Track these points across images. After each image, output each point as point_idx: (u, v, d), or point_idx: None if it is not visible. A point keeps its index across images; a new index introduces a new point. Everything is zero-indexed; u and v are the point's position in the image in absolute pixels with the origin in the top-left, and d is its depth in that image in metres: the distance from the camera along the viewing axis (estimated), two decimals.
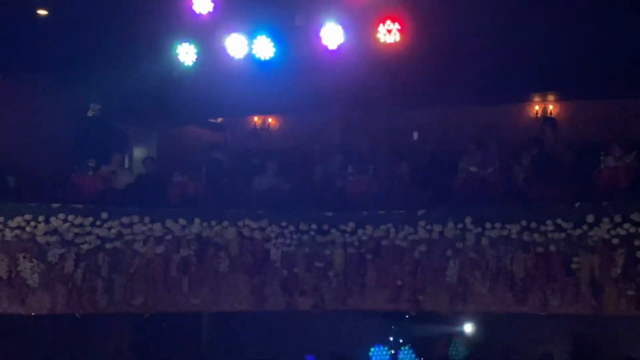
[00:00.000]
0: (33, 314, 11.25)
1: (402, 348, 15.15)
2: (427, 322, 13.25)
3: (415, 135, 16.36)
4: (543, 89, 16.64)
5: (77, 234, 11.17)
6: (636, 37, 12.21)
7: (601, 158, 11.84)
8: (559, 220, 10.59)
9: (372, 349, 15.04)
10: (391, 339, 15.03)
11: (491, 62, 13.81)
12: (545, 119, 14.54)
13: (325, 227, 11.59)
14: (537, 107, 17.54)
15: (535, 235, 10.69)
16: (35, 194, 11.99)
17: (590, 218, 10.43)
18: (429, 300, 11.25)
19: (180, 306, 11.70)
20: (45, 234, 11.06)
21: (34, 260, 11.05)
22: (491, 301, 11.01)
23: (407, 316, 11.85)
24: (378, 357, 15.10)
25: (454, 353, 15.13)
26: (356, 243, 11.49)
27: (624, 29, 11.93)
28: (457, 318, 13.92)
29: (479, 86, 15.50)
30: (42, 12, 11.86)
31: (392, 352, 15.06)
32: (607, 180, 11.50)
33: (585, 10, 11.44)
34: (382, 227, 11.39)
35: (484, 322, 14.57)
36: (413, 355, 15.10)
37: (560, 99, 17.32)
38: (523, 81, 15.30)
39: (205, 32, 11.19)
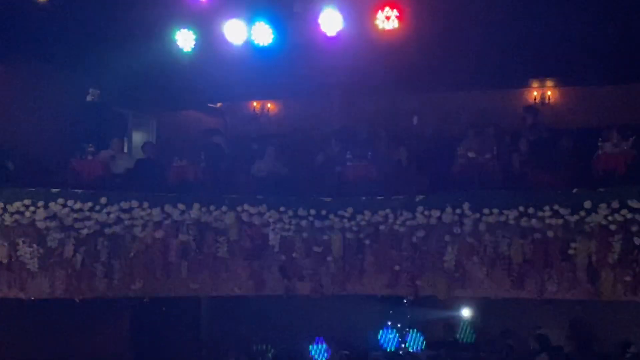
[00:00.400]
0: (32, 298, 11.30)
1: (410, 331, 15.27)
2: (427, 307, 13.32)
3: (415, 120, 16.34)
4: (541, 75, 16.62)
5: (76, 219, 11.22)
6: (634, 23, 12.21)
7: (599, 144, 11.87)
8: (556, 206, 10.63)
9: (380, 332, 15.15)
10: (398, 324, 15.14)
11: (489, 47, 13.79)
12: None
13: (324, 212, 11.63)
14: (535, 93, 17.52)
15: (533, 221, 10.73)
16: (34, 179, 12.01)
17: (587, 204, 10.47)
18: (427, 285, 11.30)
19: (179, 291, 11.78)
20: (45, 219, 11.11)
21: (33, 245, 11.11)
22: (489, 286, 11.06)
23: (404, 301, 11.89)
24: (386, 340, 15.21)
25: (462, 336, 15.24)
26: (354, 228, 11.54)
27: (622, 14, 11.92)
28: (455, 303, 13.97)
29: (477, 72, 15.50)
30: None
31: (400, 335, 15.19)
32: (604, 166, 11.53)
33: None
34: (381, 212, 11.44)
35: (482, 306, 14.65)
36: (421, 339, 15.21)
37: (558, 84, 17.31)
38: (521, 67, 15.28)
39: (203, 18, 11.17)
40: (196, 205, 11.53)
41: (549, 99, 17.44)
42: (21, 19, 12.40)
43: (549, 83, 17.23)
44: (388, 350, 15.24)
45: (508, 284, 10.93)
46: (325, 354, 12.49)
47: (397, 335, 15.33)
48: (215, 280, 11.76)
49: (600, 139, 12.08)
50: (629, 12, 11.72)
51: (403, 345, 15.30)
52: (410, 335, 15.33)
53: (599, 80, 16.22)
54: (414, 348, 15.23)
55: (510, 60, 14.62)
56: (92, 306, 11.80)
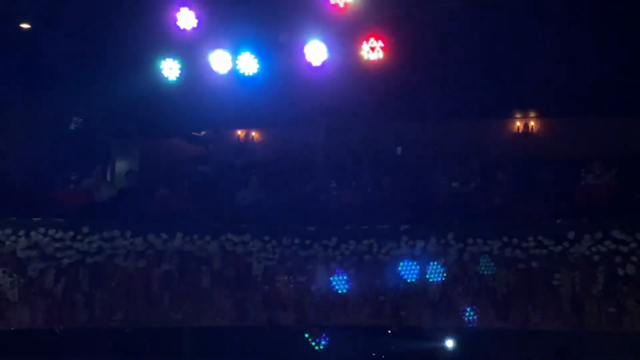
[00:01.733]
0: (12, 328, 11.12)
1: None
2: (411, 338, 13.22)
3: (399, 151, 16.42)
4: (525, 106, 16.75)
5: (57, 249, 11.11)
6: (617, 57, 12.35)
7: (581, 175, 11.93)
8: (540, 237, 10.65)
9: None
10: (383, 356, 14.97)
11: (473, 78, 13.91)
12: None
13: (308, 241, 11.57)
14: (518, 124, 17.66)
15: (517, 251, 10.73)
16: (16, 208, 11.89)
17: (571, 235, 10.49)
18: (411, 315, 11.25)
19: (161, 321, 11.63)
20: (26, 248, 10.99)
21: (13, 274, 10.97)
22: (473, 317, 11.01)
23: (389, 331, 11.81)
24: None
25: None
26: (339, 258, 11.48)
27: (605, 48, 12.05)
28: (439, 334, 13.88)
29: (461, 102, 15.62)
30: (25, 25, 11.79)
31: None
32: (587, 197, 11.58)
33: (566, 29, 11.54)
34: (365, 242, 11.40)
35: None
36: None
37: (541, 115, 17.44)
38: (505, 98, 15.40)
39: (189, 48, 11.18)
40: (179, 235, 11.44)
41: (532, 129, 17.57)
42: (5, 46, 12.36)
43: (532, 114, 17.37)
44: None
45: (492, 315, 10.89)
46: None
47: None
48: (198, 311, 11.63)
49: (583, 170, 12.15)
50: (611, 45, 11.84)
51: None
52: None
53: (581, 112, 16.38)
54: None
55: (494, 91, 14.74)
56: (72, 337, 11.61)
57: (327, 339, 12.50)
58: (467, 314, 11.01)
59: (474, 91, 14.71)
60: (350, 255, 11.46)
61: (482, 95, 15.05)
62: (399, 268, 11.13)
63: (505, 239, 10.77)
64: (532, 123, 17.59)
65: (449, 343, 13.86)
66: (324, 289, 11.52)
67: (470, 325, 11.15)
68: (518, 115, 17.52)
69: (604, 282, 10.31)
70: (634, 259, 10.20)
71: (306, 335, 12.20)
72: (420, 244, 11.11)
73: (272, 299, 11.63)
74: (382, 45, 10.45)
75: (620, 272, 10.26)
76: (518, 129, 17.65)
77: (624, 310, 10.30)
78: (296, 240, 11.56)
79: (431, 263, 10.99)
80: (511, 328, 10.87)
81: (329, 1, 10.11)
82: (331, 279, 11.43)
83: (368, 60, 10.61)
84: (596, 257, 10.36)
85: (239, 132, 19.40)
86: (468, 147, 16.26)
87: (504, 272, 10.82)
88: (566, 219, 10.85)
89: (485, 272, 10.88)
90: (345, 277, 11.49)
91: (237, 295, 11.61)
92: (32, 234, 11.00)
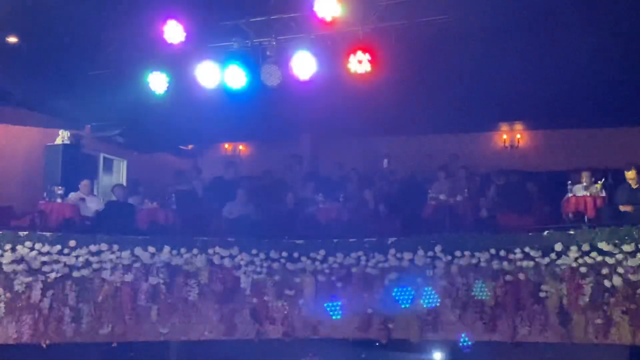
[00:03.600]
0: None
1: None
2: (399, 350, 13.19)
3: (385, 163, 16.45)
4: (511, 119, 16.84)
5: (44, 262, 11.04)
6: (601, 69, 12.45)
7: (568, 187, 11.99)
8: (527, 249, 10.69)
9: None
10: None
11: (460, 92, 13.98)
12: None
13: (296, 254, 11.58)
14: (505, 136, 17.76)
15: (504, 263, 10.77)
16: (2, 222, 11.83)
17: (558, 246, 10.53)
18: (399, 328, 11.25)
19: (148, 335, 11.58)
20: (12, 262, 10.91)
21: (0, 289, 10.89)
22: (461, 329, 11.03)
23: (377, 344, 11.79)
24: None
25: None
26: (327, 271, 11.48)
27: (590, 60, 12.15)
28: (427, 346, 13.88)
29: (448, 115, 15.68)
30: (12, 39, 11.76)
31: None
32: (574, 208, 11.63)
33: (551, 43, 11.64)
34: (353, 254, 11.42)
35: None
36: None
37: (527, 128, 17.55)
38: (491, 110, 15.48)
39: (177, 61, 11.18)
40: (166, 248, 11.42)
41: (519, 142, 17.67)
42: None
43: (518, 127, 17.48)
44: None
45: (480, 327, 10.90)
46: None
47: None
48: (186, 324, 11.60)
49: (569, 181, 12.22)
50: (597, 56, 11.94)
51: None
52: None
53: (568, 123, 16.48)
54: None
55: (480, 104, 14.81)
56: (59, 351, 11.52)
57: (315, 352, 12.49)
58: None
59: (461, 104, 14.78)
60: (338, 268, 11.46)
61: (469, 108, 15.12)
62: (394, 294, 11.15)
63: (492, 251, 10.80)
64: (518, 135, 17.69)
65: (437, 356, 13.87)
66: (312, 302, 11.50)
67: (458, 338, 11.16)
68: (504, 128, 17.62)
69: (591, 293, 10.34)
70: (621, 270, 10.24)
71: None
72: (407, 256, 11.11)
73: (260, 312, 11.60)
74: (370, 58, 10.47)
75: (607, 283, 10.29)
76: (504, 141, 17.75)
77: (611, 322, 10.34)
78: (284, 254, 11.56)
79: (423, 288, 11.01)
80: (499, 340, 10.88)
81: (316, 14, 10.13)
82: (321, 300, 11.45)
83: (355, 73, 10.63)
84: (583, 269, 10.41)
85: (227, 145, 19.42)
86: (455, 160, 16.32)
87: (492, 284, 10.84)
88: (553, 231, 10.89)
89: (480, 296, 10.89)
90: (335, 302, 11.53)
91: (225, 309, 11.59)
92: (19, 247, 10.93)
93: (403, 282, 11.17)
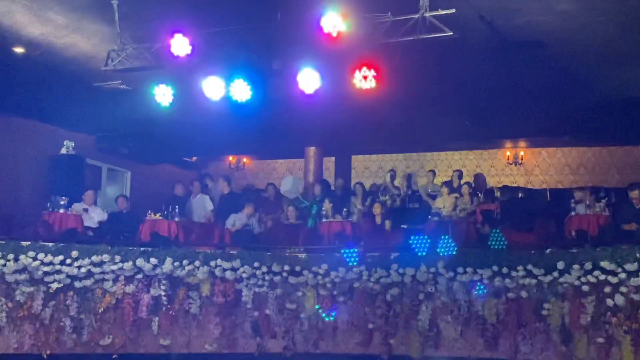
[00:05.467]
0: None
1: None
2: None
3: (389, 178, 16.48)
4: (514, 136, 16.88)
5: (46, 272, 11.03)
6: (605, 88, 12.49)
7: (571, 205, 11.99)
8: (529, 266, 10.65)
9: None
10: None
11: (464, 108, 14.02)
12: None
13: (298, 268, 11.55)
14: (508, 153, 17.80)
15: (507, 280, 10.73)
16: (5, 231, 11.85)
17: (560, 265, 10.49)
18: (400, 344, 11.22)
19: (149, 347, 11.55)
20: (14, 272, 10.91)
21: (1, 298, 10.90)
22: (462, 346, 11.00)
23: None
24: None
25: None
26: (328, 285, 11.46)
27: (594, 79, 12.20)
28: None
29: (452, 132, 15.73)
30: (19, 50, 11.82)
31: None
32: (577, 227, 11.62)
33: (556, 60, 11.68)
34: (355, 269, 11.37)
35: None
36: None
37: (531, 145, 17.59)
38: (495, 127, 15.53)
39: (182, 74, 11.22)
40: (169, 260, 11.41)
41: (522, 159, 17.70)
42: None
43: (522, 143, 17.52)
44: None
45: (482, 344, 10.87)
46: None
47: None
48: (187, 337, 11.56)
49: (573, 199, 12.21)
50: (602, 75, 12.00)
51: None
52: None
53: (572, 141, 16.53)
54: None
55: (485, 121, 14.86)
56: None
57: None
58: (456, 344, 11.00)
59: (465, 121, 14.83)
60: (340, 282, 11.44)
61: (473, 125, 15.17)
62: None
63: (495, 268, 10.77)
64: (521, 153, 17.73)
65: None
66: (314, 316, 11.48)
67: (459, 355, 11.13)
68: (508, 145, 17.66)
69: (593, 312, 10.29)
70: (623, 289, 10.19)
71: None
72: (410, 272, 11.10)
73: (262, 326, 11.58)
74: (375, 74, 10.48)
75: (610, 302, 10.24)
76: (508, 158, 17.79)
77: (613, 341, 10.28)
78: (286, 267, 11.53)
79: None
80: (500, 358, 10.84)
81: (322, 30, 10.18)
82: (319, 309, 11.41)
83: (360, 89, 10.64)
84: (585, 288, 10.36)
85: (231, 157, 19.49)
86: (459, 175, 16.36)
87: (494, 302, 10.81)
88: (555, 249, 10.88)
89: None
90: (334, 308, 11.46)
91: (226, 322, 11.56)
92: (21, 257, 10.92)
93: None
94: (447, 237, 11.06)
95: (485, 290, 10.83)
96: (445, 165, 17.72)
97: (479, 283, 10.87)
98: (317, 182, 16.07)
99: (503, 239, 10.94)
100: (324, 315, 11.40)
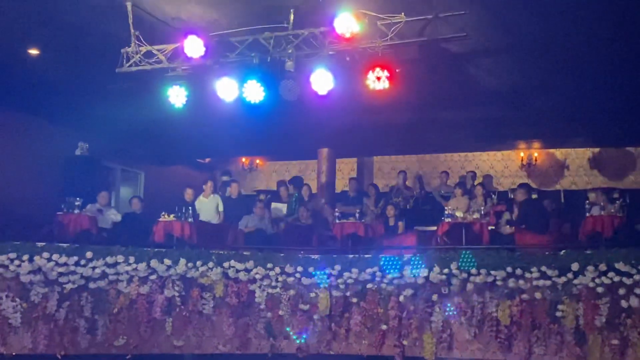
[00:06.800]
0: (14, 354, 11.08)
1: None
2: None
3: (401, 179, 16.48)
4: (528, 137, 16.82)
5: (60, 273, 11.08)
6: (621, 88, 12.43)
7: (586, 207, 11.94)
8: (544, 268, 10.60)
9: None
10: None
11: (478, 109, 13.99)
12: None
13: (311, 269, 11.55)
14: (522, 154, 17.73)
15: (521, 282, 10.69)
16: (20, 232, 11.91)
17: (575, 266, 10.44)
18: (414, 345, 11.19)
19: (163, 348, 11.60)
20: (29, 272, 10.96)
21: (16, 299, 10.95)
22: (476, 348, 10.96)
23: None
24: None
25: None
26: (342, 286, 11.46)
27: (609, 79, 12.13)
28: None
29: (465, 133, 15.69)
30: (33, 51, 11.89)
31: None
32: (591, 228, 11.57)
33: (569, 60, 11.63)
34: (368, 270, 11.36)
35: None
36: None
37: (545, 146, 17.52)
38: (509, 128, 15.47)
39: (196, 75, 11.26)
40: (182, 261, 11.44)
41: (536, 160, 17.63)
42: (11, 71, 12.46)
43: (536, 144, 17.45)
44: None
45: (495, 346, 10.83)
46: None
47: None
48: (200, 337, 11.59)
49: (587, 201, 12.15)
50: (616, 74, 11.94)
51: None
52: None
53: (586, 142, 16.46)
54: None
55: (498, 122, 14.81)
56: None
57: None
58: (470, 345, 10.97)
59: (479, 122, 14.79)
60: (353, 283, 11.43)
61: (487, 126, 15.12)
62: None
63: (509, 269, 10.74)
64: (535, 154, 17.66)
65: None
66: (327, 317, 11.48)
67: (473, 356, 11.09)
68: (522, 146, 17.60)
69: (607, 314, 10.25)
70: (638, 291, 10.16)
71: None
72: (423, 273, 11.07)
73: (275, 326, 11.59)
74: (388, 75, 10.48)
75: (624, 304, 10.21)
76: (522, 159, 17.72)
77: (627, 343, 10.25)
78: (299, 268, 11.54)
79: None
80: (514, 359, 10.80)
81: (335, 30, 10.19)
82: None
83: (374, 90, 10.64)
84: (600, 289, 10.31)
85: (244, 159, 19.52)
86: (473, 177, 16.33)
87: (508, 303, 10.77)
88: (570, 250, 10.83)
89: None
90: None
91: (240, 323, 11.58)
92: (36, 258, 10.98)
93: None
94: (417, 258, 11.08)
95: (418, 267, 10.82)
96: (459, 166, 17.68)
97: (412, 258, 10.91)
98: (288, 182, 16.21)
99: (473, 260, 10.91)
100: (295, 337, 11.45)
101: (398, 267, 11.12)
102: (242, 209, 14.74)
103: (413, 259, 11.17)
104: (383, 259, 11.27)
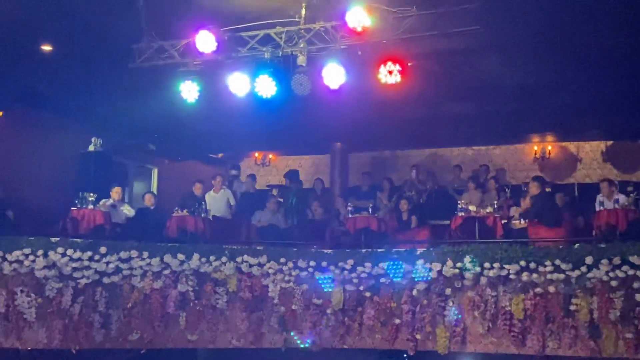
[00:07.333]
0: (29, 348, 11.16)
1: None
2: None
3: (414, 174, 16.45)
4: (542, 130, 16.75)
5: (75, 268, 11.15)
6: (635, 81, 12.35)
7: (600, 200, 11.88)
8: (557, 261, 10.56)
9: None
10: None
11: (491, 103, 13.93)
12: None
13: (324, 263, 11.56)
14: (535, 148, 17.66)
15: (534, 275, 10.66)
16: (34, 228, 11.98)
17: (589, 260, 10.40)
18: (427, 339, 11.19)
19: (177, 342, 11.64)
20: (44, 268, 11.04)
21: (31, 294, 11.02)
22: (489, 342, 10.94)
23: (405, 356, 11.73)
24: None
25: None
26: (355, 280, 11.46)
27: (623, 72, 12.06)
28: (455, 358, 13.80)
29: (478, 127, 15.63)
30: (46, 47, 11.94)
31: None
32: (605, 222, 11.51)
33: (584, 54, 11.57)
34: (381, 264, 11.36)
35: None
36: None
37: (558, 139, 17.43)
38: (522, 122, 15.40)
39: (208, 70, 11.28)
40: (196, 256, 11.48)
41: (549, 153, 17.56)
42: (25, 67, 12.52)
43: (550, 138, 17.37)
44: None
45: (509, 340, 10.80)
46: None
47: None
48: (214, 332, 11.63)
49: (600, 194, 12.09)
50: (631, 68, 11.86)
51: None
52: None
53: (599, 135, 16.36)
54: None
55: (511, 116, 14.74)
56: (88, 357, 11.63)
57: None
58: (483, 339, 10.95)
59: (492, 116, 14.73)
60: (366, 278, 11.43)
61: (500, 120, 15.06)
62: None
63: (522, 263, 10.70)
64: (549, 147, 17.58)
65: None
66: (340, 311, 11.48)
67: (486, 350, 11.07)
68: (535, 140, 17.52)
69: (621, 307, 10.20)
70: None
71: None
72: (436, 267, 11.06)
73: (288, 321, 11.61)
74: (400, 69, 10.46)
75: (638, 297, 10.16)
76: (535, 153, 17.65)
77: None
78: (312, 263, 11.55)
79: None
80: (528, 353, 10.76)
81: (347, 25, 10.17)
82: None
83: (386, 84, 10.61)
84: (614, 283, 10.27)
85: (256, 154, 19.54)
86: (485, 171, 16.27)
87: (521, 297, 10.73)
88: (583, 244, 10.79)
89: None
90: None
91: (253, 317, 11.61)
92: (50, 253, 11.05)
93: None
94: (423, 263, 11.12)
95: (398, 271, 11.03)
96: (472, 160, 17.62)
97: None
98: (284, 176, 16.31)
99: (429, 271, 10.99)
100: (299, 342, 11.48)
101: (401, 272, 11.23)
102: (255, 203, 14.78)
103: (393, 264, 11.20)
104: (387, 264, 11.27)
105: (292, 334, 11.56)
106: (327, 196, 15.89)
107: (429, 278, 11.03)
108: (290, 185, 15.75)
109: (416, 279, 11.12)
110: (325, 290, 11.47)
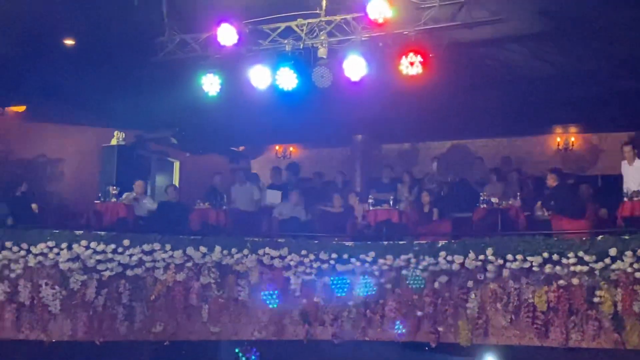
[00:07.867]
0: (54, 340, 11.27)
1: None
2: (449, 354, 13.05)
3: (435, 166, 16.41)
4: (565, 121, 16.62)
5: (99, 261, 11.25)
6: None
7: (624, 191, 11.77)
8: (581, 253, 10.48)
9: None
10: None
11: (513, 94, 13.84)
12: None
13: (345, 256, 11.57)
14: (558, 139, 17.52)
15: (557, 267, 10.59)
16: (58, 221, 12.09)
17: (612, 251, 10.31)
18: (449, 331, 11.17)
19: (200, 334, 11.72)
20: (68, 260, 11.14)
21: (56, 286, 11.13)
22: (512, 334, 10.90)
23: (426, 348, 11.72)
24: None
25: None
26: (376, 273, 11.46)
27: None
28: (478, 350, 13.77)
29: (500, 118, 15.53)
30: (69, 42, 12.02)
31: None
32: (629, 213, 11.40)
33: (607, 44, 11.46)
34: (403, 257, 11.35)
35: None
36: None
37: (581, 131, 17.29)
38: (545, 113, 15.29)
39: (229, 63, 11.31)
40: (218, 248, 11.54)
41: (573, 145, 17.42)
42: (49, 62, 12.61)
43: (573, 129, 17.23)
44: None
45: (532, 332, 10.75)
46: None
47: None
48: (236, 324, 11.70)
49: (625, 186, 11.98)
50: None
51: None
52: None
53: (623, 126, 16.19)
54: None
55: (534, 107, 14.64)
56: (112, 349, 11.73)
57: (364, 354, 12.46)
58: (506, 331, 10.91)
59: (514, 107, 14.63)
60: (387, 270, 11.43)
61: (522, 111, 14.96)
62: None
63: (545, 255, 10.64)
64: (572, 138, 17.44)
65: None
66: (361, 303, 11.49)
67: (509, 342, 11.03)
68: (558, 131, 17.39)
69: None
70: None
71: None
72: (458, 259, 11.02)
73: (310, 313, 11.64)
74: (422, 60, 10.42)
75: None
76: (558, 144, 17.52)
77: None
78: (333, 255, 11.56)
79: None
80: (551, 345, 10.71)
81: (368, 16, 10.15)
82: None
83: (407, 75, 10.58)
84: (638, 274, 10.18)
85: (277, 147, 19.55)
86: (508, 162, 16.18)
87: (544, 289, 10.68)
88: (607, 236, 10.70)
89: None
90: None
91: (275, 309, 11.64)
92: (74, 246, 11.15)
93: None
94: (367, 277, 11.25)
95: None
96: (494, 152, 17.51)
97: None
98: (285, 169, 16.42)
99: (422, 280, 11.01)
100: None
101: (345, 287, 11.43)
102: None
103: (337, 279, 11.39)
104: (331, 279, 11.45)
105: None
106: (350, 188, 15.87)
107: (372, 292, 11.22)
108: (288, 180, 15.75)
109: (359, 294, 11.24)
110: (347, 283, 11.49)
